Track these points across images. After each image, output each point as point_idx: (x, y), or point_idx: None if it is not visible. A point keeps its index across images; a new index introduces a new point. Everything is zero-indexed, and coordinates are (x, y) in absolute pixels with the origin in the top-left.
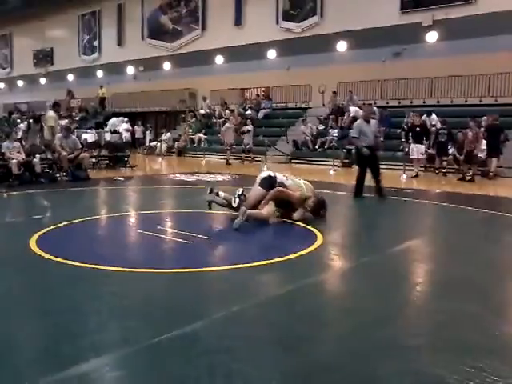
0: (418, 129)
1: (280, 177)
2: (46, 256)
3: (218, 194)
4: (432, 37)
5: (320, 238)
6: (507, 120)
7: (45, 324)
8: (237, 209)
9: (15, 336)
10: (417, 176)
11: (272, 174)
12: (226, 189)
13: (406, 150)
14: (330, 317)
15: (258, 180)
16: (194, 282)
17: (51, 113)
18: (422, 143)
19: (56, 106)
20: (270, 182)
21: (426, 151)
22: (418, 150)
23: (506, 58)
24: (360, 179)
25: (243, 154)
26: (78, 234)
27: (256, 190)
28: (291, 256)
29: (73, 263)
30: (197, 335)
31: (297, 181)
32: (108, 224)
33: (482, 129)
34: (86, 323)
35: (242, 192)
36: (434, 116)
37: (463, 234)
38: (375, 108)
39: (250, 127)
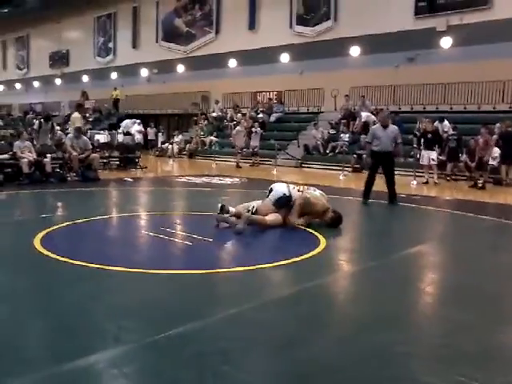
0: (429, 135)
1: (295, 193)
2: (49, 254)
3: (228, 212)
4: (446, 42)
5: (323, 243)
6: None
7: (41, 321)
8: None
9: (12, 333)
10: (427, 183)
11: (287, 191)
12: (235, 192)
13: (418, 156)
14: (329, 320)
15: (272, 198)
16: (195, 284)
17: (76, 114)
18: (433, 150)
19: (80, 107)
20: (284, 202)
21: (437, 158)
22: (428, 157)
23: None
24: (367, 183)
25: (253, 158)
26: (82, 233)
27: (268, 206)
28: (293, 259)
29: (74, 262)
30: (193, 336)
31: (313, 193)
32: (113, 224)
33: (495, 136)
34: (81, 321)
35: (256, 211)
36: (446, 122)
37: (470, 241)
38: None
39: (257, 129)
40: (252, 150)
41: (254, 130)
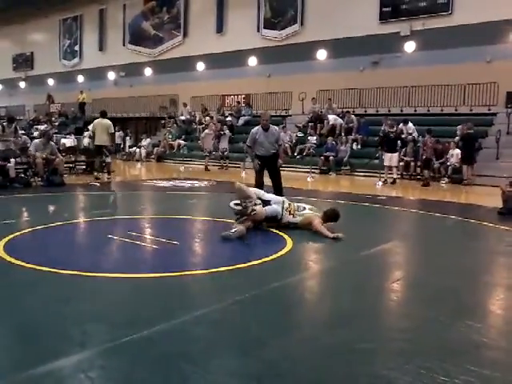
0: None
1: (287, 216)
2: (12, 260)
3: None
4: (410, 47)
5: (290, 244)
6: (480, 129)
7: (5, 328)
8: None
9: None
10: (385, 182)
11: (280, 214)
12: (204, 196)
13: (383, 157)
14: (293, 320)
15: (268, 212)
16: (160, 287)
17: (107, 120)
18: (394, 151)
19: (106, 113)
20: (272, 220)
21: (401, 159)
22: (388, 158)
23: (480, 69)
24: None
25: (221, 161)
26: (47, 239)
27: (262, 215)
28: (259, 261)
29: (39, 268)
30: (158, 338)
31: (304, 212)
32: (78, 229)
33: (457, 138)
34: (45, 327)
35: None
36: (410, 124)
37: (432, 239)
38: (353, 116)
39: (226, 131)
40: (221, 153)
41: (222, 132)
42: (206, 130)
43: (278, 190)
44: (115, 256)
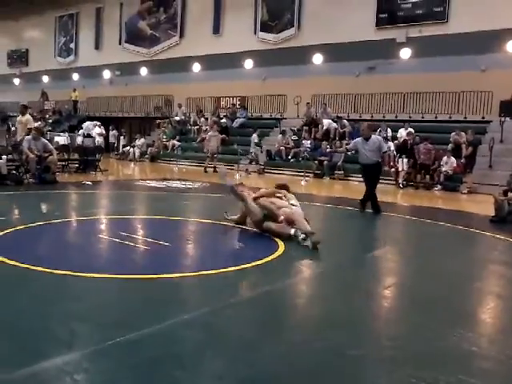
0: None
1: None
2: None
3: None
4: (405, 53)
5: (281, 247)
6: (474, 137)
7: None
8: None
9: None
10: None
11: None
12: (196, 197)
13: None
14: (284, 324)
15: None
16: (148, 289)
17: (28, 116)
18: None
19: (26, 108)
20: None
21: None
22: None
23: (475, 78)
24: (365, 195)
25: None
26: (36, 237)
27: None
28: (250, 264)
29: (26, 266)
30: (146, 341)
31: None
32: (69, 228)
33: (451, 145)
34: (31, 327)
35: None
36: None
37: (425, 246)
38: (345, 121)
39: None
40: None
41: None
42: (210, 132)
43: (369, 195)
44: (105, 256)
